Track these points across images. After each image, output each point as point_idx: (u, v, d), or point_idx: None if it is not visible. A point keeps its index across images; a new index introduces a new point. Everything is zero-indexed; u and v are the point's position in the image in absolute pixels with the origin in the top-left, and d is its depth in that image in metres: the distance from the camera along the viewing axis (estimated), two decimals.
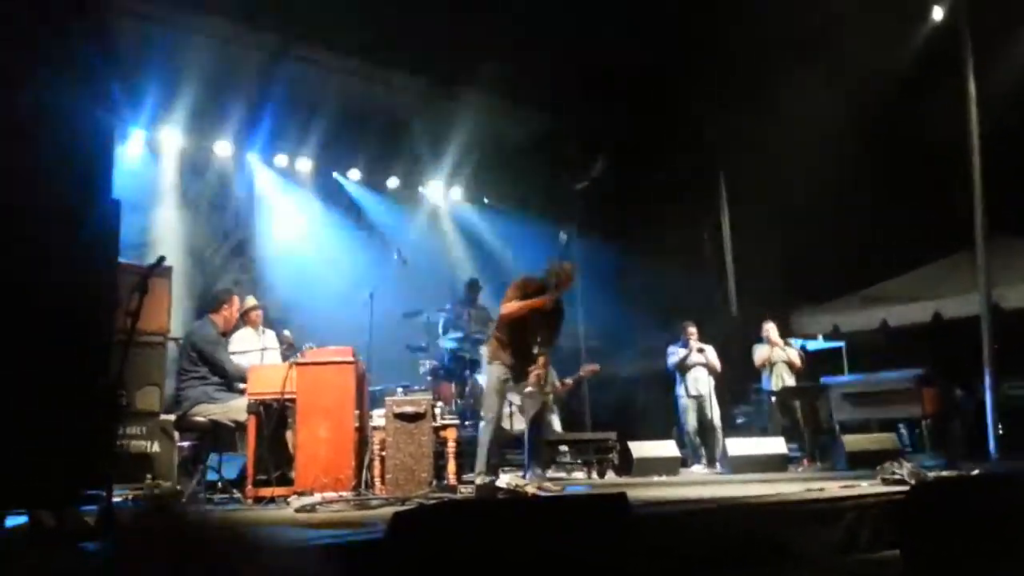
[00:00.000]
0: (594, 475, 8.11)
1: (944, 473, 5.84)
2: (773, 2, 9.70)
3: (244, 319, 6.96)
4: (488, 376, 5.98)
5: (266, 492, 5.21)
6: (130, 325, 3.98)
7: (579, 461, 8.71)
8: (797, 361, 9.41)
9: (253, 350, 6.44)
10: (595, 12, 9.50)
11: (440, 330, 8.48)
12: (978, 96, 9.37)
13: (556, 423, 9.20)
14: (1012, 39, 10.23)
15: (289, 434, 5.68)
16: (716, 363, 9.18)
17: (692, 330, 9.27)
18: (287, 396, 5.47)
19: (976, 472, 5.69)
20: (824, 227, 11.83)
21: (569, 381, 9.29)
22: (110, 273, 3.79)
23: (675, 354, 9.21)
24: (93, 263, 3.64)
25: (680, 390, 9.21)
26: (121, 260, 4.50)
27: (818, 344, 11.70)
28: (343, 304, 8.90)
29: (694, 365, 9.09)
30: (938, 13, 10.02)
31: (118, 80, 4.05)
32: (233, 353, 6.14)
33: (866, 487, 4.84)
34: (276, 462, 5.48)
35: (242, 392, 5.63)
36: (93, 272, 3.62)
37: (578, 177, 10.09)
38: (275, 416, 5.67)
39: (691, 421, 9.06)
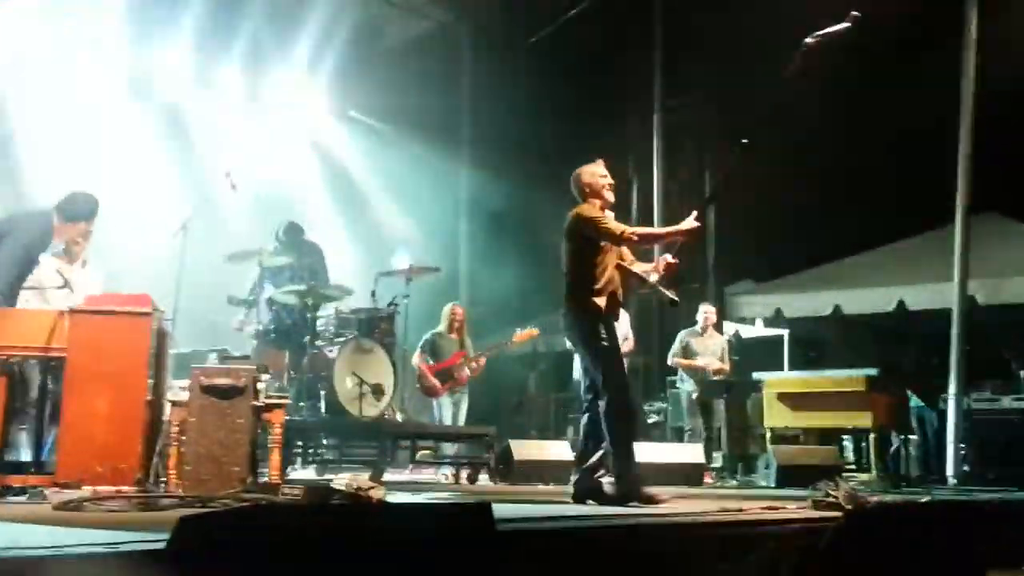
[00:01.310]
0: (464, 479, 8.19)
1: (888, 498, 6.12)
2: None
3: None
4: (588, 338, 5.73)
5: (15, 480, 5.00)
6: None
7: (446, 460, 8.79)
8: (724, 364, 9.70)
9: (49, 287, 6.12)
10: None
11: (267, 280, 8.33)
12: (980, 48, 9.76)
13: (464, 409, 9.38)
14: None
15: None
16: (630, 337, 9.27)
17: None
18: (54, 354, 5.24)
19: (926, 499, 5.97)
20: (774, 191, 12.20)
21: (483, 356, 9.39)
22: None
23: None
24: None
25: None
26: None
27: (755, 331, 12.05)
28: (145, 238, 8.64)
29: None
30: None
31: None
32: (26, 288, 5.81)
33: (793, 510, 4.97)
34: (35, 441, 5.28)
35: None
36: None
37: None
38: (40, 381, 5.46)
39: None
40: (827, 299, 11.81)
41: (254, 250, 8.19)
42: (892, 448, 9.44)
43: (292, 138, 11.62)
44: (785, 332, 11.93)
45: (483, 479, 8.20)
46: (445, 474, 8.63)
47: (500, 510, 3.40)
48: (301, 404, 7.83)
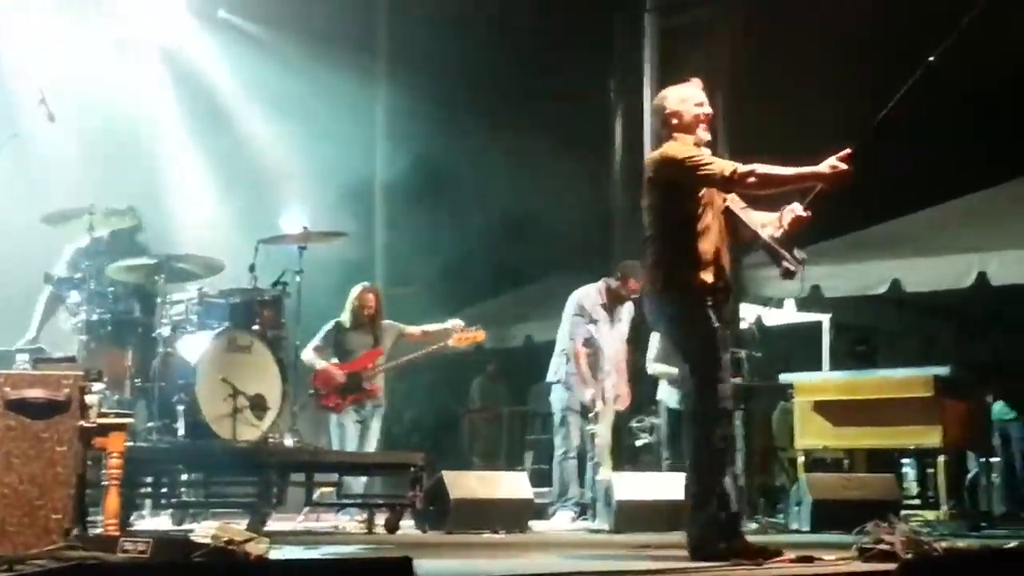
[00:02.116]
0: (379, 526, 8.22)
1: (962, 544, 6.21)
2: None
3: None
4: (681, 330, 5.74)
5: None
6: None
7: (355, 501, 8.88)
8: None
9: None
10: None
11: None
12: None
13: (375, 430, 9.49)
14: None
15: None
16: (625, 337, 9.31)
17: (633, 283, 8.94)
18: None
19: (1013, 545, 6.07)
20: (814, 127, 12.23)
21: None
22: None
23: (579, 328, 9.23)
24: None
25: (562, 387, 9.41)
26: None
27: (784, 316, 12.13)
28: None
29: (598, 349, 9.16)
30: None
31: None
32: None
33: (833, 563, 5.05)
34: None
35: None
36: None
37: None
38: None
39: (571, 438, 9.21)
40: (881, 272, 11.86)
41: (82, 208, 8.12)
42: (969, 475, 9.55)
43: (135, 49, 11.50)
44: (825, 317, 12.01)
45: (406, 526, 8.24)
46: (353, 520, 8.63)
47: (427, 567, 3.41)
48: (150, 424, 7.82)
